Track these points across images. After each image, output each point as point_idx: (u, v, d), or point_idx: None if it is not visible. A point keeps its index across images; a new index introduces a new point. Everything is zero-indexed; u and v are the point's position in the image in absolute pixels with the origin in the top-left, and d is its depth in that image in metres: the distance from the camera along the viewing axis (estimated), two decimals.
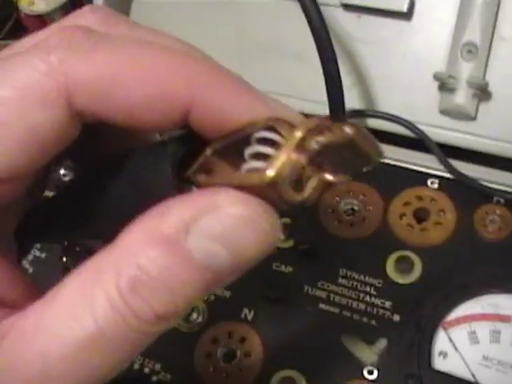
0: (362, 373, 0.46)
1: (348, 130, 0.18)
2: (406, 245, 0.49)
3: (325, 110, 0.50)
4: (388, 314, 0.48)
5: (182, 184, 0.20)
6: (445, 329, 0.47)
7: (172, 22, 0.63)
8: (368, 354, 0.47)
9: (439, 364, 0.46)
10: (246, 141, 0.20)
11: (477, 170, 0.53)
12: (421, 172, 0.53)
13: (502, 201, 0.50)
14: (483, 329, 0.46)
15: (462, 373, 0.45)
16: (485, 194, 0.50)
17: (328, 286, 0.50)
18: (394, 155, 0.55)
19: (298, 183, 0.19)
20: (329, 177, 0.19)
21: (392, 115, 0.55)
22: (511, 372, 0.45)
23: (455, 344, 0.46)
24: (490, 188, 0.50)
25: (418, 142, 0.54)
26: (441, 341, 0.47)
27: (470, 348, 0.46)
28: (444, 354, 0.46)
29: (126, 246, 0.18)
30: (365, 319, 0.48)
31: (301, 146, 0.18)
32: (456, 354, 0.46)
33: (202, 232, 0.18)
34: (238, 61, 0.60)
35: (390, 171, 0.54)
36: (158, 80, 0.19)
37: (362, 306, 0.49)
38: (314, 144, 0.18)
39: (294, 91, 0.58)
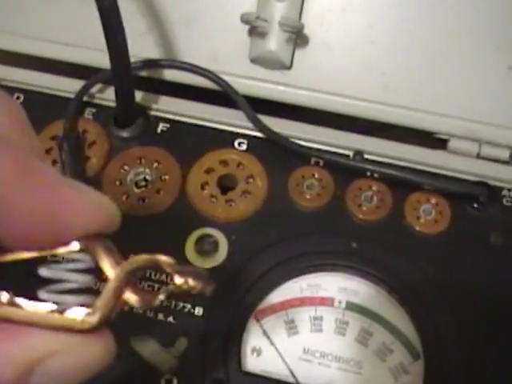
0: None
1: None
2: (208, 220, 0.45)
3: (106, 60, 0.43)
4: (188, 307, 0.42)
5: None
6: (258, 320, 0.42)
7: None
8: (165, 358, 0.40)
9: (252, 363, 0.41)
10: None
11: (291, 127, 0.49)
12: (226, 131, 0.49)
13: (320, 162, 0.47)
14: (302, 316, 0.42)
15: (280, 371, 0.41)
16: (301, 155, 0.47)
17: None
18: (193, 112, 0.49)
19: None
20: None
21: (191, 64, 0.49)
22: (335, 364, 0.41)
23: (270, 337, 0.41)
24: (306, 148, 0.47)
25: (223, 96, 0.49)
26: (253, 335, 0.42)
27: (288, 341, 0.41)
28: (258, 351, 0.41)
29: None
30: (160, 316, 0.42)
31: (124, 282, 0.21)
32: (271, 350, 0.41)
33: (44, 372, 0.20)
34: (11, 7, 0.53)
35: (189, 132, 0.49)
36: None
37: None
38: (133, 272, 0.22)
39: (74, 38, 0.51)
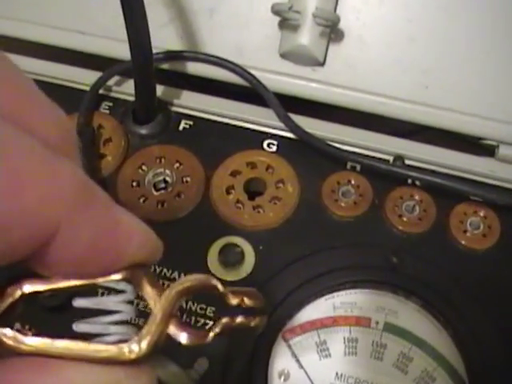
0: None
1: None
2: (234, 228, 0.43)
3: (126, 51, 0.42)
4: (211, 323, 0.40)
5: None
6: (286, 340, 0.39)
7: None
8: (183, 380, 0.37)
9: None
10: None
11: (326, 127, 0.47)
12: (254, 131, 0.47)
13: (357, 167, 0.45)
14: (335, 337, 0.40)
15: None
16: (336, 159, 0.45)
17: None
18: (219, 109, 0.48)
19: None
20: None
21: (217, 57, 0.47)
22: None
23: (300, 360, 0.39)
24: (342, 151, 0.45)
25: (252, 93, 0.47)
26: (281, 357, 0.39)
27: (320, 364, 0.39)
28: (286, 375, 0.39)
29: None
30: None
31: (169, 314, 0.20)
32: (301, 374, 0.39)
33: None
34: None
35: (213, 130, 0.47)
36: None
37: None
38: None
39: (90, 27, 0.50)
